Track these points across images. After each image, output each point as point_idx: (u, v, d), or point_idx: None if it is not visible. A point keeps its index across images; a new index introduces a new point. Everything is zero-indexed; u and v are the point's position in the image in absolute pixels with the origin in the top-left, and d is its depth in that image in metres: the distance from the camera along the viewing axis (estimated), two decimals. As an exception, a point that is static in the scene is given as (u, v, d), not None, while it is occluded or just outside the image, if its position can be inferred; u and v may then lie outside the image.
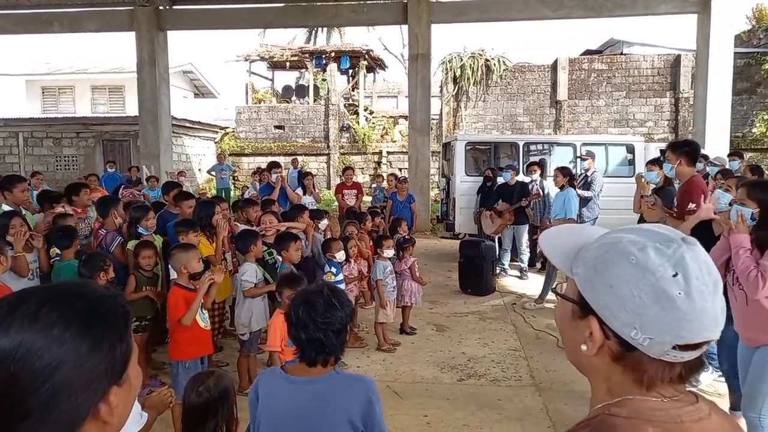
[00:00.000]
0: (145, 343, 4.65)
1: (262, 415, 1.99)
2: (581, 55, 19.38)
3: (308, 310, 1.92)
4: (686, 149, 4.69)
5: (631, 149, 10.24)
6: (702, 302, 0.80)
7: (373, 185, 13.30)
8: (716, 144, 11.93)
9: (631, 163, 10.07)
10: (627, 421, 0.83)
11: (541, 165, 9.01)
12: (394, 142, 20.76)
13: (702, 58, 12.62)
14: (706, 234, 3.61)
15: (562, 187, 7.09)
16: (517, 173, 8.84)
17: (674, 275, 0.80)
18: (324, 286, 2.06)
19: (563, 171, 7.17)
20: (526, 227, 8.58)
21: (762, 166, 14.29)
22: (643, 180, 5.36)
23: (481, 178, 9.88)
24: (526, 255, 8.65)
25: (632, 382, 0.85)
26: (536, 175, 8.62)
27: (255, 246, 4.57)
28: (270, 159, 20.07)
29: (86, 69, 22.76)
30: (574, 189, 7.26)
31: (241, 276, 4.51)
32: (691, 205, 4.53)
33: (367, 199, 12.48)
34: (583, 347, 0.88)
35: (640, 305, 0.80)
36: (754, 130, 17.09)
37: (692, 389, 0.89)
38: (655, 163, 6.03)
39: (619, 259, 0.84)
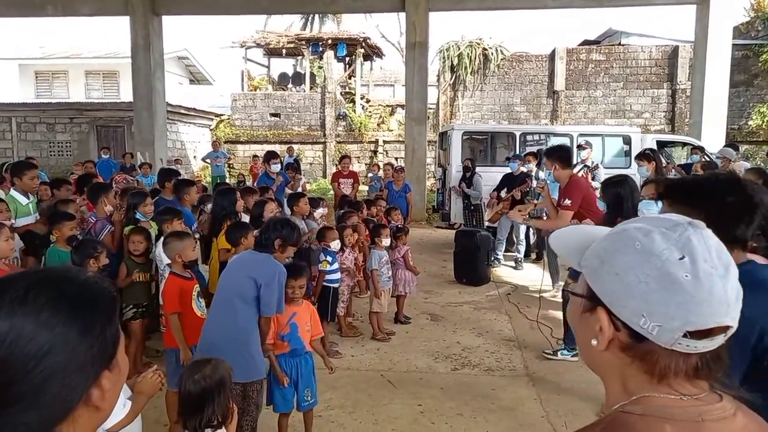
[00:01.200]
0: (142, 330, 4.65)
1: (228, 268, 3.56)
2: (579, 45, 19.31)
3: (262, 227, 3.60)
4: (558, 154, 5.06)
5: (627, 140, 10.25)
6: (710, 284, 0.77)
7: (370, 174, 13.28)
8: (713, 136, 11.96)
9: (628, 154, 10.08)
10: (641, 419, 0.80)
11: (538, 155, 8.99)
12: (391, 131, 20.69)
13: (700, 49, 12.59)
14: None
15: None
16: (524, 163, 8.79)
17: (680, 258, 0.78)
18: (275, 219, 3.81)
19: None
20: None
21: (758, 159, 14.33)
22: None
23: (482, 167, 9.84)
24: (522, 246, 8.66)
25: (644, 374, 0.82)
26: (532, 165, 8.61)
27: (246, 239, 4.51)
28: (265, 147, 20.10)
29: (80, 54, 22.53)
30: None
31: None
32: (566, 201, 4.76)
33: (364, 188, 12.45)
34: (593, 342, 0.85)
35: (647, 291, 0.78)
36: (751, 122, 17.11)
37: (716, 388, 0.85)
38: (643, 157, 6.03)
39: (624, 246, 0.82)
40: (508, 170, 9.06)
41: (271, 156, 8.79)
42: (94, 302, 0.81)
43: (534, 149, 9.72)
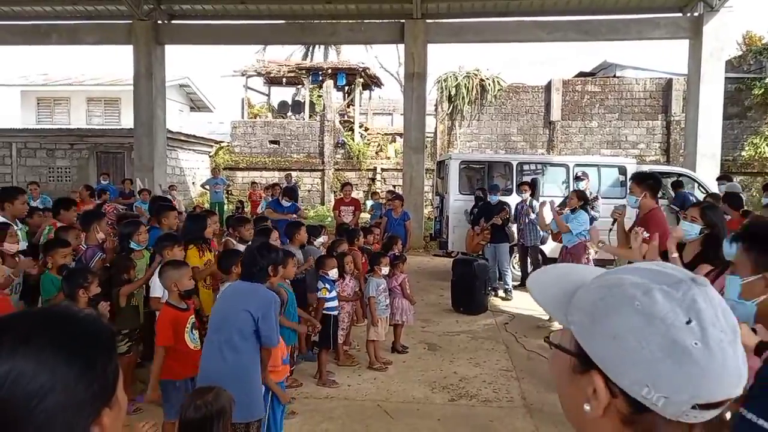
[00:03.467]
0: (132, 363, 4.61)
1: (219, 301, 3.54)
2: (575, 77, 19.63)
3: (246, 253, 3.56)
4: (652, 183, 4.74)
5: (623, 171, 10.32)
6: (722, 353, 0.69)
7: (369, 202, 13.33)
8: (707, 167, 12.09)
9: (623, 184, 10.14)
10: None
11: (532, 185, 9.07)
12: (389, 159, 20.85)
13: (693, 82, 12.82)
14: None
15: (573, 210, 7.02)
16: (500, 193, 8.98)
17: (687, 322, 0.69)
18: (256, 243, 3.82)
19: (578, 194, 7.12)
20: (507, 246, 8.64)
21: (753, 190, 14.44)
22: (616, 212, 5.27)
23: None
24: (509, 275, 8.68)
25: None
26: (526, 195, 8.69)
27: (237, 267, 4.43)
28: (264, 174, 20.21)
29: (82, 81, 22.79)
30: (586, 211, 7.18)
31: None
32: (644, 234, 4.60)
33: (366, 216, 12.49)
34: (587, 407, 0.75)
35: (651, 359, 0.69)
36: (744, 153, 17.31)
37: None
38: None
39: (621, 304, 0.73)
40: (504, 198, 9.13)
41: (287, 193, 9.03)
42: (95, 341, 0.82)
43: (528, 179, 9.79)
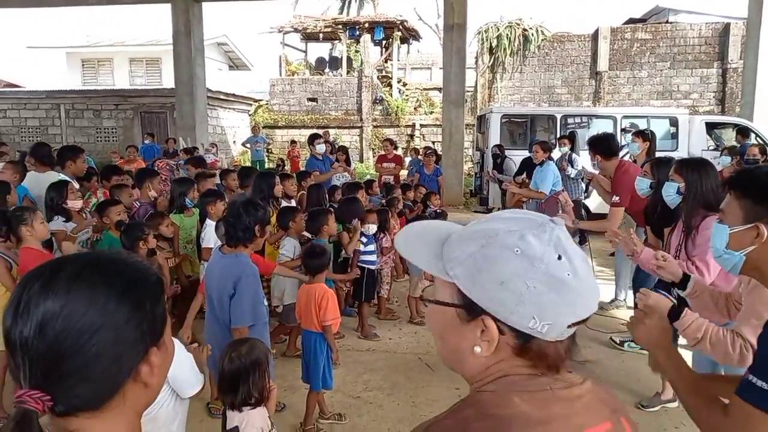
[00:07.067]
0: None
1: (206, 273, 3.29)
2: (624, 24, 18.66)
3: (229, 214, 3.15)
4: (601, 145, 4.82)
5: (674, 122, 9.88)
6: (587, 278, 0.82)
7: (409, 158, 13.23)
8: (766, 117, 11.43)
9: (675, 136, 9.73)
10: (493, 394, 0.83)
11: (572, 138, 8.75)
12: (429, 114, 20.52)
13: (753, 26, 11.99)
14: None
15: (542, 163, 6.87)
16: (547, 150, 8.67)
17: (558, 258, 0.80)
18: (240, 200, 3.32)
19: (543, 146, 6.98)
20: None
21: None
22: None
23: (523, 151, 9.64)
24: None
25: (530, 368, 0.84)
26: (566, 149, 8.40)
27: (294, 222, 4.63)
28: (303, 131, 20.23)
29: (124, 41, 23.07)
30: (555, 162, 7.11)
31: (281, 249, 4.63)
32: (615, 198, 4.60)
33: (404, 172, 12.41)
34: (477, 349, 0.84)
35: (537, 295, 0.79)
36: (808, 102, 16.27)
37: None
38: (639, 135, 5.78)
39: (502, 252, 0.81)
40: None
41: (314, 137, 8.49)
42: (144, 281, 0.84)
43: (567, 132, 9.44)
